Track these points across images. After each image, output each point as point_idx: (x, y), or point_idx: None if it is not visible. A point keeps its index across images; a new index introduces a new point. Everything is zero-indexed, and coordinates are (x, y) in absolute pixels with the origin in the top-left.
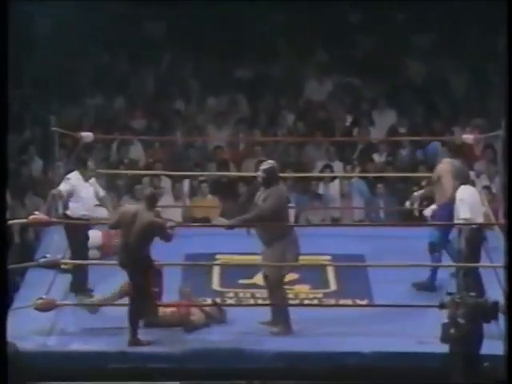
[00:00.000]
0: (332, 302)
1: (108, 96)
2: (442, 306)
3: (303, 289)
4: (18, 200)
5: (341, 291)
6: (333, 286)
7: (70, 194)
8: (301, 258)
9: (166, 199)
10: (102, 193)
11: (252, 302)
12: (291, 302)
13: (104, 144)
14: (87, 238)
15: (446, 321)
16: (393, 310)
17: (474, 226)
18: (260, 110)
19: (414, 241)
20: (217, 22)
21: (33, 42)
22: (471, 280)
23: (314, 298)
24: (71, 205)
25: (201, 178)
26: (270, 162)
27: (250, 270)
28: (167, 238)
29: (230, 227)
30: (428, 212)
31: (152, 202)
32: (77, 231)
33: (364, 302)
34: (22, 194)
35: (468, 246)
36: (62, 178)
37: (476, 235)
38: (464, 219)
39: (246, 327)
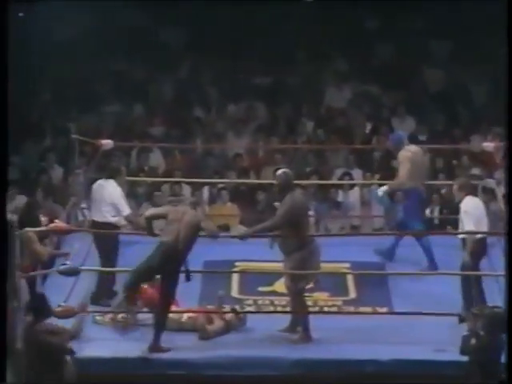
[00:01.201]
0: (351, 309)
1: (127, 103)
2: (461, 320)
3: (322, 296)
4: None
5: (360, 299)
6: (352, 294)
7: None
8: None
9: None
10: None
11: (271, 309)
12: (310, 309)
13: (123, 151)
14: (118, 243)
15: (466, 333)
16: (412, 318)
17: (478, 238)
18: (279, 117)
19: (434, 249)
20: (235, 28)
21: (51, 49)
22: (475, 291)
23: (333, 305)
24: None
25: (220, 186)
26: (283, 169)
27: (269, 277)
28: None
29: (242, 238)
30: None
31: (196, 207)
32: (108, 237)
33: (383, 310)
34: (42, 201)
35: (472, 258)
36: (81, 186)
37: (480, 247)
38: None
39: (265, 334)
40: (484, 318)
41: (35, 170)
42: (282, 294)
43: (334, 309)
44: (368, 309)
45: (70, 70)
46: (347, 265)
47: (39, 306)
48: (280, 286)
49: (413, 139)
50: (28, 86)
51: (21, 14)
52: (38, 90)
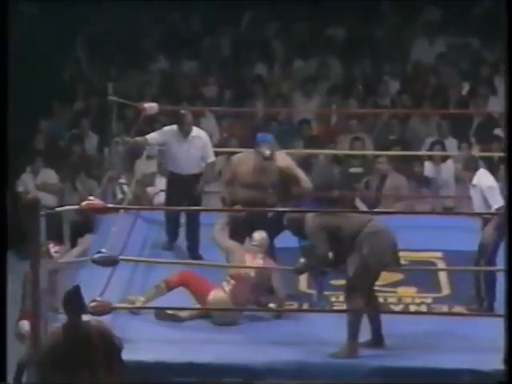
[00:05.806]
0: (444, 309)
1: (176, 60)
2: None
3: (409, 292)
4: (69, 183)
5: (455, 296)
6: (445, 290)
7: None
8: (406, 254)
9: None
10: None
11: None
12: (394, 307)
13: (170, 116)
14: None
15: None
16: None
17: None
18: (357, 76)
19: None
20: None
21: None
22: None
23: (422, 303)
24: None
25: None
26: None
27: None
28: None
29: None
30: None
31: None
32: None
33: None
34: (73, 175)
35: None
36: (120, 157)
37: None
38: (498, 209)
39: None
40: None
41: (66, 138)
42: None
43: (423, 307)
44: (464, 308)
45: (110, 20)
46: (439, 254)
47: (74, 301)
48: None
49: None
50: (60, 38)
51: None
52: (72, 43)
